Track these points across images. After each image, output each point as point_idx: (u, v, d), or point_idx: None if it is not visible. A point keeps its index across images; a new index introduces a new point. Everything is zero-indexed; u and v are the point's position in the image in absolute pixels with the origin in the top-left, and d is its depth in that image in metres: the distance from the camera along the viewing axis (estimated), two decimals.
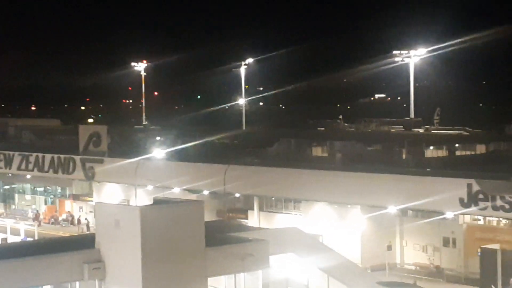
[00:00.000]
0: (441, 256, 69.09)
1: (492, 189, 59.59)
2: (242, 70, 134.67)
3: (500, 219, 64.84)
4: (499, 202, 60.04)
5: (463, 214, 64.58)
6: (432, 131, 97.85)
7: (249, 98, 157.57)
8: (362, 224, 70.34)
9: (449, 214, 64.18)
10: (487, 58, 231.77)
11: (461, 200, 61.45)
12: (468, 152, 77.50)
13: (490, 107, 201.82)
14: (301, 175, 71.12)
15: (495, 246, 64.22)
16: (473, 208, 61.34)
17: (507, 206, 59.87)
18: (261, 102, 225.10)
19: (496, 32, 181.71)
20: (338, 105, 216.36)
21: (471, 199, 61.09)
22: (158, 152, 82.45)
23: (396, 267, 70.49)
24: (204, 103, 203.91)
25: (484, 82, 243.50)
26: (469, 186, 60.74)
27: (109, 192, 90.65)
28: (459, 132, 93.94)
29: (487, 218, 65.99)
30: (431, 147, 77.92)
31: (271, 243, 50.65)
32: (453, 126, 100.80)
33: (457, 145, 79.13)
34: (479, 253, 64.83)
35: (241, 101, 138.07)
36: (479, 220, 67.38)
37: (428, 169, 66.04)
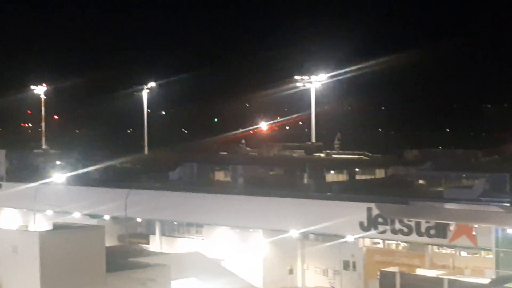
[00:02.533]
0: (341, 279, 69.78)
1: (391, 213, 60.65)
2: (144, 94, 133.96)
3: (399, 242, 65.95)
4: (398, 226, 61.19)
5: (363, 237, 65.49)
6: (333, 156, 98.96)
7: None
8: (264, 248, 70.56)
9: (349, 238, 65.00)
10: (386, 84, 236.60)
11: (361, 224, 62.38)
12: (367, 176, 78.62)
13: (389, 132, 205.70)
14: (203, 200, 71.04)
15: (394, 269, 65.28)
16: (372, 232, 62.37)
17: (405, 230, 61.08)
18: None
19: (395, 58, 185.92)
20: (241, 130, 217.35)
21: (371, 223, 62.09)
22: (58, 177, 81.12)
23: None
24: (106, 127, 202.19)
25: (383, 108, 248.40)
26: (369, 210, 61.74)
27: (7, 218, 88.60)
28: (359, 156, 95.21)
29: (387, 241, 67.03)
30: (332, 172, 78.80)
31: (172, 268, 50.40)
32: (353, 151, 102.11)
33: (357, 169, 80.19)
34: (379, 276, 65.79)
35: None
36: (379, 243, 68.38)
37: (329, 193, 66.78)
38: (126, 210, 73.00)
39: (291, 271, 70.92)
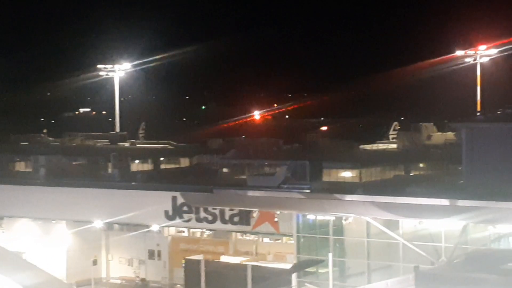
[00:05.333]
0: (146, 268, 69.70)
1: (195, 201, 61.12)
2: None
3: (204, 230, 66.60)
4: (202, 214, 61.81)
5: (168, 226, 65.65)
6: (138, 145, 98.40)
7: None
8: (68, 239, 69.35)
9: (154, 227, 65.00)
10: (190, 74, 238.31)
11: (166, 213, 62.53)
12: (172, 166, 78.84)
13: (193, 121, 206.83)
14: (3, 191, 69.05)
15: (199, 257, 65.88)
16: (177, 220, 62.71)
17: (210, 218, 61.77)
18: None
19: (198, 48, 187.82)
20: (42, 119, 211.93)
21: (176, 212, 62.36)
22: None
23: (102, 281, 70.16)
24: None
25: (187, 97, 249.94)
26: (174, 198, 61.98)
27: None
28: (164, 146, 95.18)
29: (192, 230, 67.53)
30: (137, 161, 78.47)
31: None
32: (158, 140, 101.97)
33: (162, 158, 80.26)
34: (183, 265, 66.19)
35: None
36: (184, 232, 68.77)
37: (133, 183, 66.45)
38: None
39: (95, 262, 70.02)
